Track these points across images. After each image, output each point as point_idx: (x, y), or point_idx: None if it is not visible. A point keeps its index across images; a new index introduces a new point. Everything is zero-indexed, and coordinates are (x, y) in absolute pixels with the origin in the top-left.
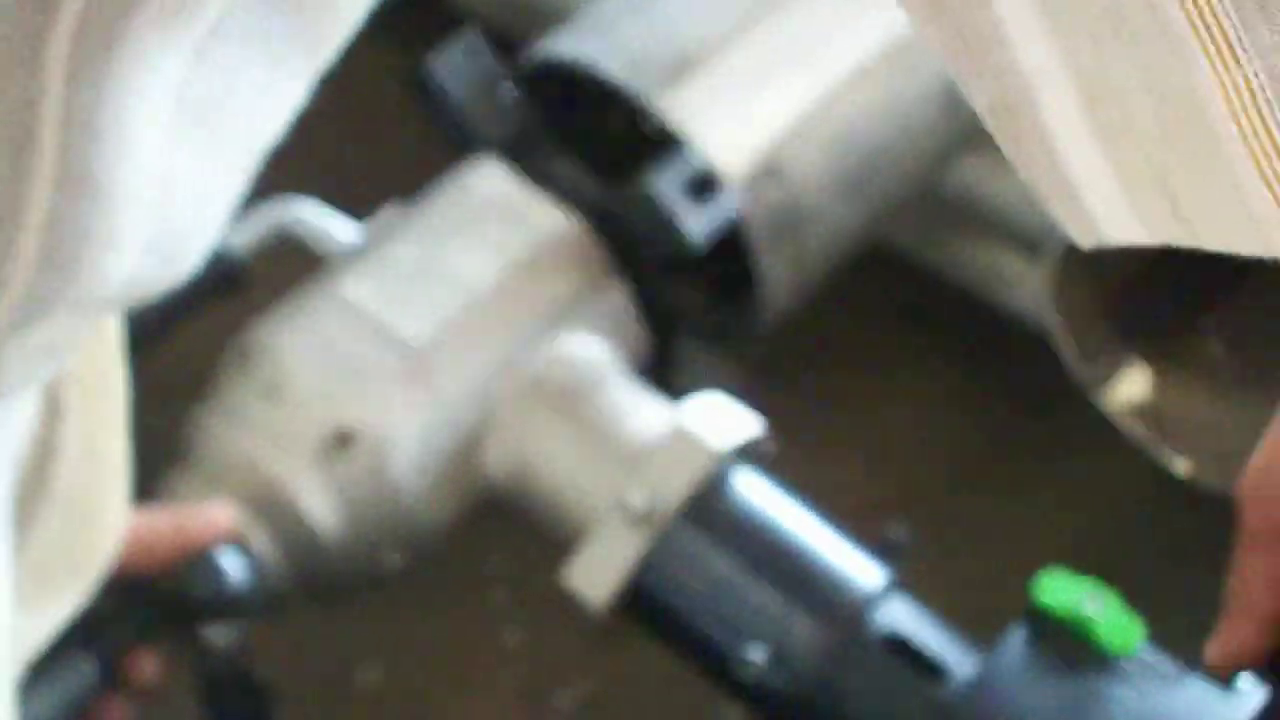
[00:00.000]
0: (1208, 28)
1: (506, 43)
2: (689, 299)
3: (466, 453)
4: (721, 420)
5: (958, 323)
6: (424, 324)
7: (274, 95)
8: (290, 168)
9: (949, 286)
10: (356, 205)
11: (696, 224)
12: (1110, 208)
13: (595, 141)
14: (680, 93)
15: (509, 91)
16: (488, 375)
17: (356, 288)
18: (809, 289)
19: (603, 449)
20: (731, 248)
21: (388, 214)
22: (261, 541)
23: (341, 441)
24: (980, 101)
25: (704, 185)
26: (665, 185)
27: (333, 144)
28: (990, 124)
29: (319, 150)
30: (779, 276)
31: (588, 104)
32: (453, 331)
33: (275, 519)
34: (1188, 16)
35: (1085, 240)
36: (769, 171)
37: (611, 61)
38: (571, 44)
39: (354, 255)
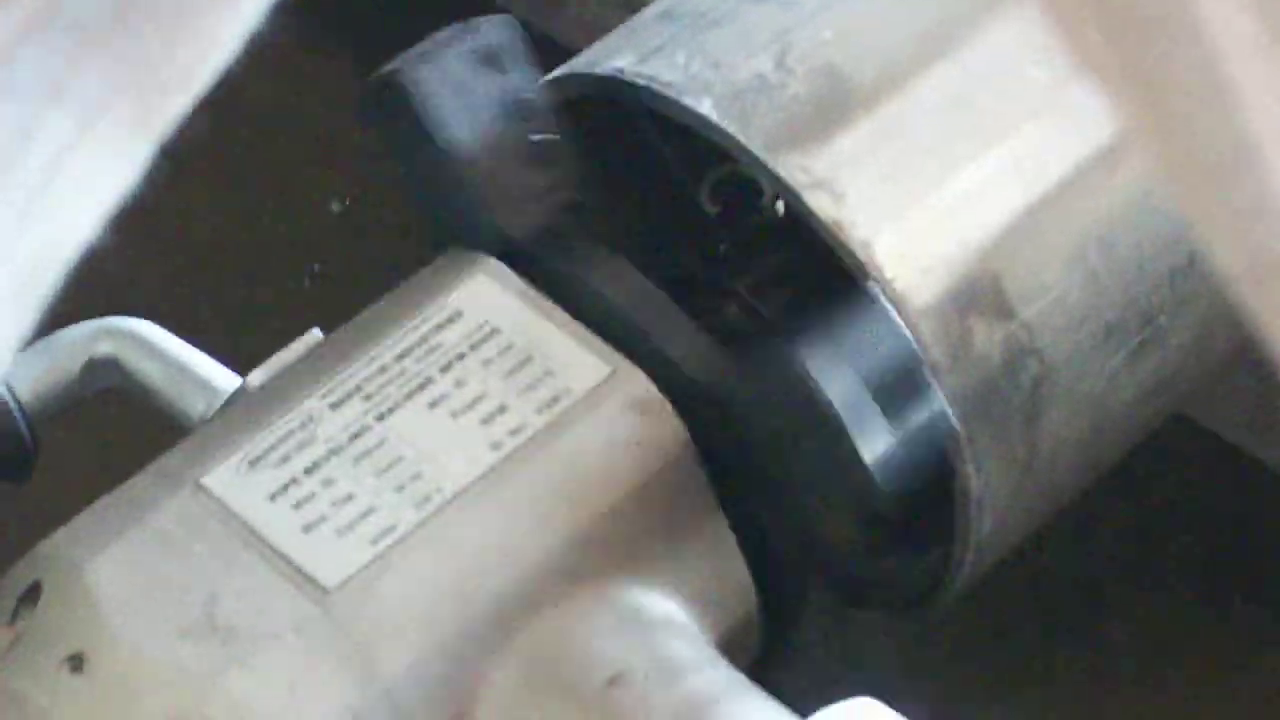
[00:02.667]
0: None
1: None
2: (833, 536)
3: None
4: None
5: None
6: (350, 550)
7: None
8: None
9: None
10: (239, 337)
11: (885, 447)
12: None
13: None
14: (817, 160)
15: (540, 131)
16: (460, 644)
17: (229, 480)
18: (1042, 517)
19: None
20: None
21: (297, 350)
22: None
23: None
24: (1232, 263)
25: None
26: (835, 363)
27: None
28: (1242, 297)
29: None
30: (997, 492)
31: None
32: (401, 566)
33: None
34: None
35: None
36: (981, 302)
37: (703, 96)
38: (626, 64)
39: (231, 422)
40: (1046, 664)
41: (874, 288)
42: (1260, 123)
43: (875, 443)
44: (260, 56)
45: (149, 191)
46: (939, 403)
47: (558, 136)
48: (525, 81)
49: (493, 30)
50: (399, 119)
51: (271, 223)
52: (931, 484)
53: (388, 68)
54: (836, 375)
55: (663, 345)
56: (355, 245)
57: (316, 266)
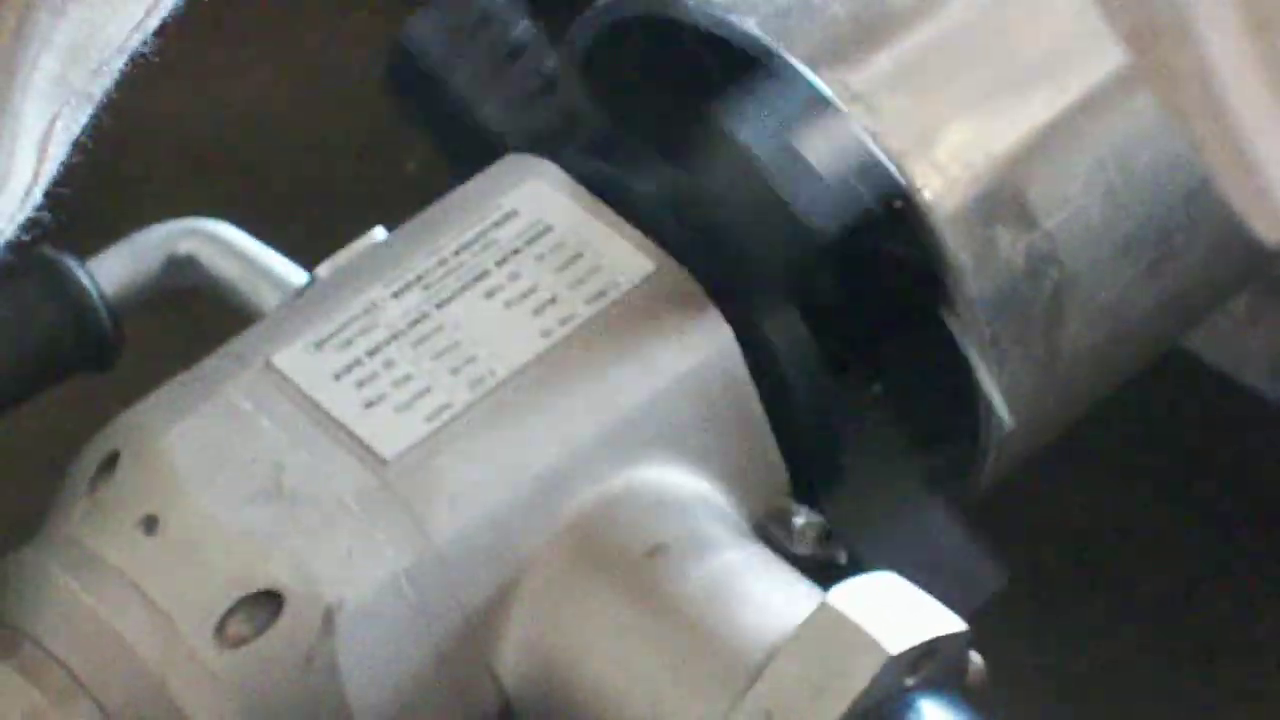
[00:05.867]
0: None
1: None
2: (863, 417)
3: (464, 642)
4: (897, 614)
5: None
6: (408, 426)
7: None
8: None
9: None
10: (311, 237)
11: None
12: None
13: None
14: (855, 75)
15: (541, 57)
16: (509, 516)
17: (297, 360)
18: (1062, 422)
19: (701, 651)
20: (934, 341)
21: (359, 248)
22: None
23: (260, 608)
24: (1118, 26)
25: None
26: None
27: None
28: (1133, 62)
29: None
30: (1021, 390)
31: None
32: (455, 441)
33: None
34: None
35: (1272, 232)
36: (1005, 211)
37: (747, 14)
38: None
39: (300, 309)
40: (1077, 605)
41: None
42: None
43: (800, 184)
44: (341, 19)
45: (230, 146)
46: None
47: (556, 69)
48: (518, 26)
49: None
50: (412, 78)
51: (348, 181)
52: (955, 381)
53: (394, 37)
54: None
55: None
56: (428, 204)
57: (391, 225)
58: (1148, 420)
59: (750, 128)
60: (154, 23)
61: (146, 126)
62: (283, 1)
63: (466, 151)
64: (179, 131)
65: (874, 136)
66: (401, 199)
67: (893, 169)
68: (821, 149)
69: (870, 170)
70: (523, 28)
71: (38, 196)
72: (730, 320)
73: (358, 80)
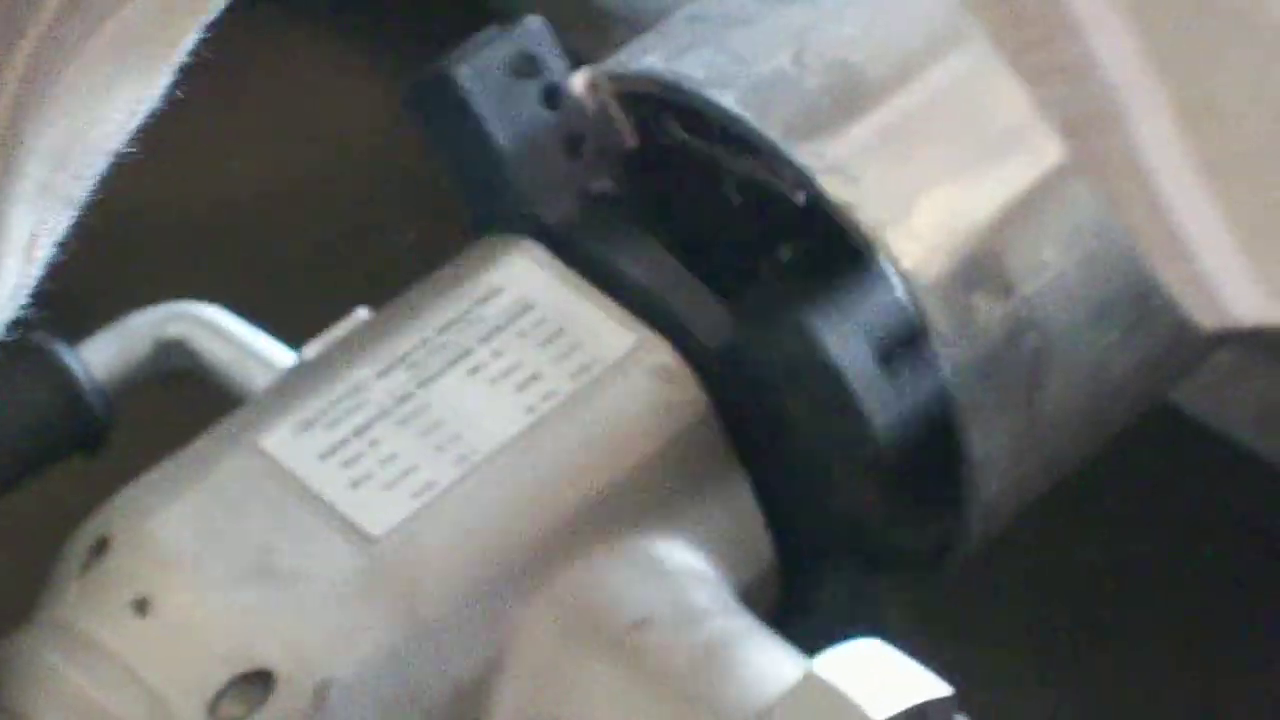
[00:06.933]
0: None
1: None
2: (847, 501)
3: (454, 715)
4: (882, 681)
5: None
6: (394, 504)
7: None
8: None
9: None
10: (299, 319)
11: (887, 397)
12: (1232, 272)
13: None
14: (831, 146)
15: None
16: (496, 590)
17: (284, 441)
18: (1047, 483)
19: None
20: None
21: (344, 328)
22: None
23: (252, 687)
24: (1052, 116)
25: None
26: (839, 326)
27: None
28: (1071, 151)
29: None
30: (1004, 453)
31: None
32: (441, 518)
33: None
34: None
35: (1207, 318)
36: (984, 278)
37: (726, 89)
38: (655, 60)
39: (286, 391)
40: (1082, 660)
41: (885, 265)
42: None
43: (875, 396)
44: (343, 88)
45: (232, 215)
46: (938, 366)
47: (589, 130)
48: (558, 79)
49: (527, 32)
50: (445, 114)
51: (346, 250)
52: (939, 450)
53: (435, 66)
54: (841, 334)
55: (682, 314)
56: (425, 273)
57: (388, 295)
58: (1148, 475)
59: (837, 336)
60: (136, 124)
61: (140, 200)
62: (280, 71)
63: (485, 196)
64: (176, 206)
65: (850, 208)
66: (401, 269)
67: (871, 238)
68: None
69: (939, 392)
70: (559, 76)
71: (22, 299)
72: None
73: (358, 149)
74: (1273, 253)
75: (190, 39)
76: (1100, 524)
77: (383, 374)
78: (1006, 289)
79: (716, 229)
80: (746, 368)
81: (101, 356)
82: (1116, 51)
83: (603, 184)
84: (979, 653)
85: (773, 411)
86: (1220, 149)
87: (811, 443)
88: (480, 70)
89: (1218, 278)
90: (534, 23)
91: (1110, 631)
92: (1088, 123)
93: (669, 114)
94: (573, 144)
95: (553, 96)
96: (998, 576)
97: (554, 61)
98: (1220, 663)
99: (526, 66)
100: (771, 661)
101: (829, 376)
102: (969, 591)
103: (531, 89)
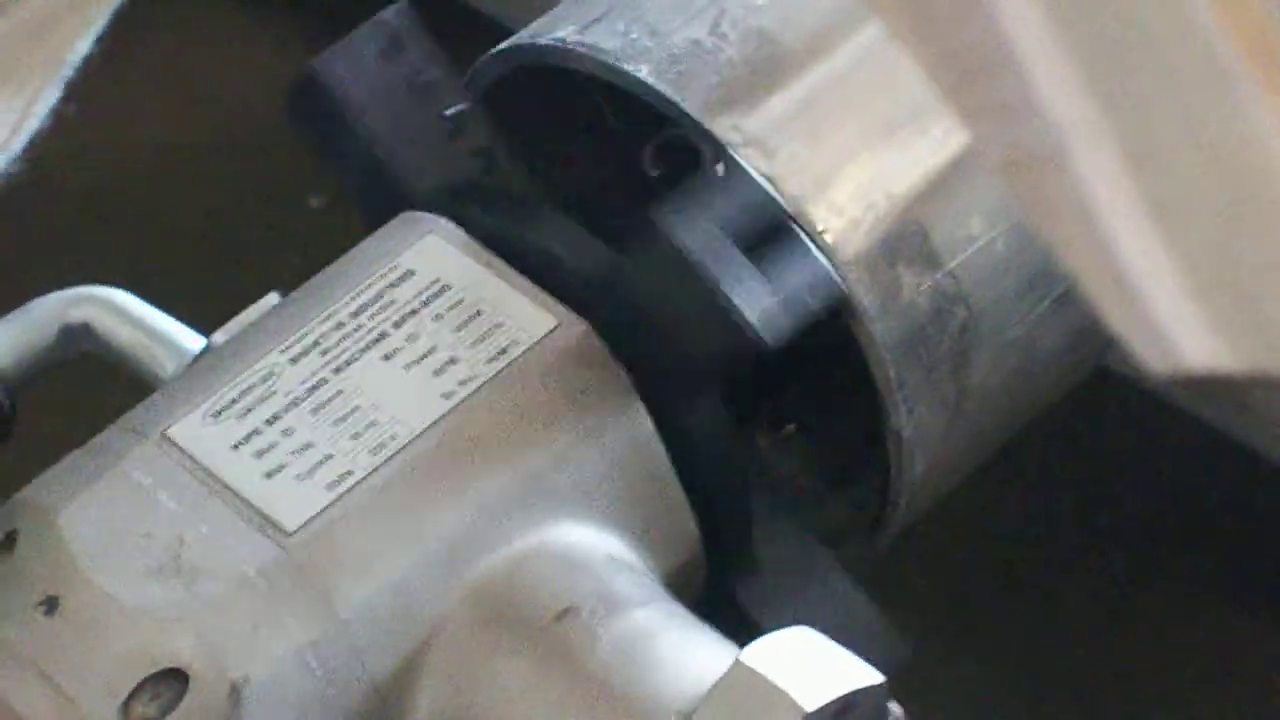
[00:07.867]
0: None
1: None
2: (777, 469)
3: (373, 712)
4: (812, 670)
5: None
6: (309, 495)
7: None
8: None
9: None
10: (209, 303)
11: (756, 285)
12: (1184, 319)
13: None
14: (749, 120)
15: (451, 106)
16: (414, 582)
17: (194, 431)
18: (975, 459)
19: (615, 715)
20: (840, 387)
21: (254, 312)
22: None
23: (165, 687)
24: (990, 156)
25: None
26: (694, 220)
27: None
28: (1009, 190)
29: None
30: (931, 429)
31: (569, 130)
32: (357, 509)
33: None
34: (1235, 46)
35: (1158, 366)
36: (909, 251)
37: (641, 62)
38: (568, 34)
39: (196, 379)
40: (1000, 619)
41: (805, 239)
42: (1014, 28)
43: (742, 286)
44: (243, 54)
45: (129, 183)
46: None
47: (467, 109)
48: (428, 62)
49: (395, 19)
50: (319, 113)
51: (251, 217)
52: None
53: (305, 66)
54: (696, 228)
55: (570, 261)
56: (333, 240)
57: (295, 260)
58: (1070, 433)
59: (695, 234)
60: (19, 144)
61: (37, 172)
62: (180, 35)
63: (371, 189)
64: (78, 175)
65: (771, 181)
66: (308, 236)
67: (835, 276)
68: (774, 260)
69: (821, 282)
70: (433, 66)
71: None
72: (645, 398)
73: (260, 114)
74: (1224, 298)
75: (75, 54)
76: (1020, 482)
77: (295, 360)
78: (933, 262)
79: (631, 204)
80: (626, 290)
81: (4, 345)
82: (1059, 87)
83: (482, 160)
84: (898, 615)
85: (657, 328)
86: (1167, 190)
87: (694, 346)
88: (349, 64)
89: (1169, 324)
90: (399, 8)
91: (1030, 591)
92: (1030, 162)
93: (584, 88)
94: (450, 124)
95: (425, 82)
96: (918, 539)
97: (422, 45)
98: (1141, 622)
99: (396, 55)
100: (699, 651)
101: (686, 267)
102: (888, 554)
103: (402, 77)
